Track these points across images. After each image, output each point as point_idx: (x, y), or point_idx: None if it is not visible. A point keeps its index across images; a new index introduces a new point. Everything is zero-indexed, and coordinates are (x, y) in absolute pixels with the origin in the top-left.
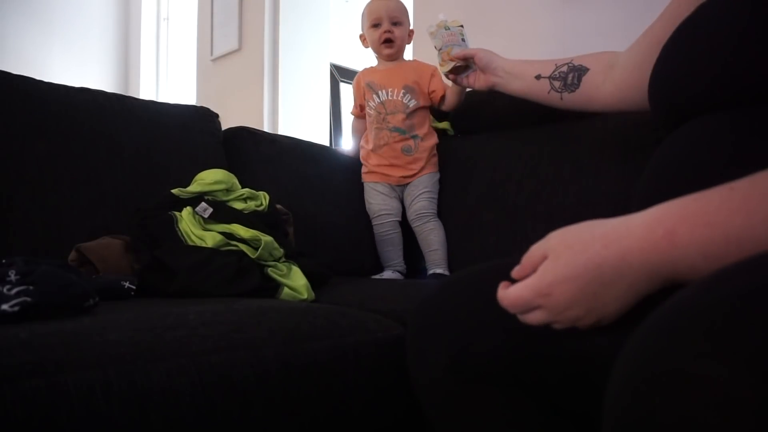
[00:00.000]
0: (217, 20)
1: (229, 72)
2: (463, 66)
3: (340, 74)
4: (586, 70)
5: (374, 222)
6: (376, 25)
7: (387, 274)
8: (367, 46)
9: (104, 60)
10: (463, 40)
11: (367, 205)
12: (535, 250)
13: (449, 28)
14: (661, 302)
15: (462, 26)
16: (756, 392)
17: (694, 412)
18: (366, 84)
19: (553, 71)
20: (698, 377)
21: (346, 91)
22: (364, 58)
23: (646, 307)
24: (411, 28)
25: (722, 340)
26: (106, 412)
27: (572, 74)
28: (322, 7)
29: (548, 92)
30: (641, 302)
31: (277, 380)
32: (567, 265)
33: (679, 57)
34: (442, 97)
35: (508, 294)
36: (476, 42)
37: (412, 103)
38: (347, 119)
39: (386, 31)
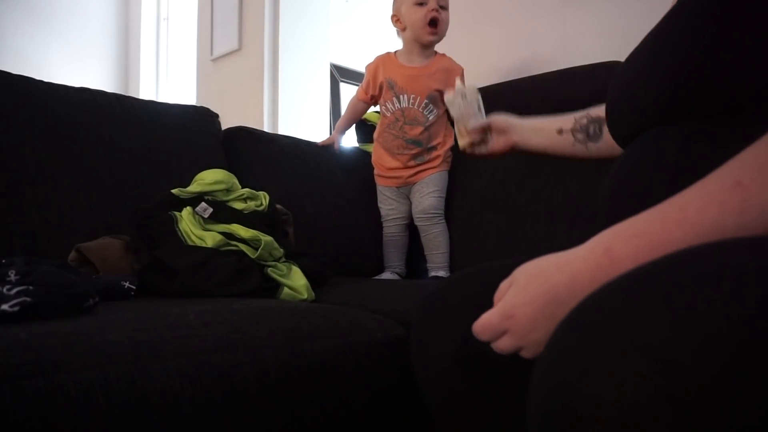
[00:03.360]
0: (217, 20)
1: (229, 72)
2: (479, 137)
3: (340, 74)
4: (605, 120)
5: (383, 223)
6: (421, 4)
7: (386, 276)
8: (401, 28)
9: (104, 60)
10: (479, 108)
11: (378, 205)
12: (503, 284)
13: (465, 97)
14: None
15: (478, 91)
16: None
17: None
18: (386, 81)
19: (574, 125)
20: (579, 414)
21: (346, 91)
22: (364, 59)
23: None
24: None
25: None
26: (106, 412)
27: (593, 126)
28: (322, 7)
29: (573, 145)
30: None
31: (276, 380)
32: (527, 289)
33: (635, 73)
34: None
35: (478, 321)
36: (476, 42)
37: (433, 116)
38: None
39: (434, 10)
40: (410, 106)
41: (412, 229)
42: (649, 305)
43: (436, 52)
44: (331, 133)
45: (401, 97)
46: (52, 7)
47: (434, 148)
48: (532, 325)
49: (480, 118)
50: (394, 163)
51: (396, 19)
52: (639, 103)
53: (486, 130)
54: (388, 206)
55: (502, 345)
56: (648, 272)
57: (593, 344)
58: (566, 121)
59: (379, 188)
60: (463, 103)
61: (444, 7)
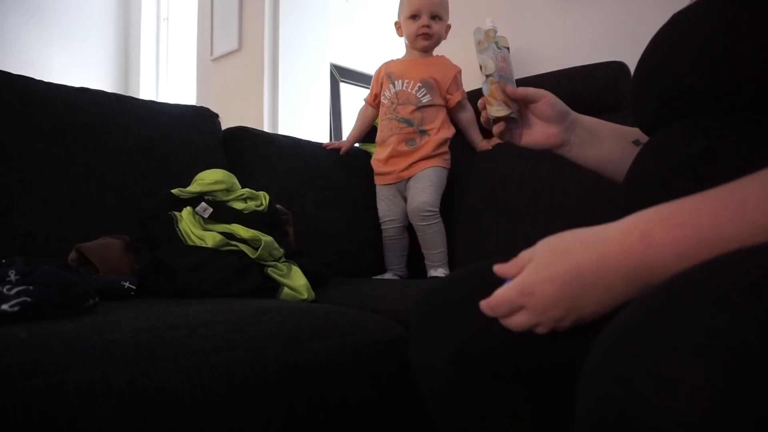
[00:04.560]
0: (217, 20)
1: (229, 72)
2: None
3: (340, 74)
4: None
5: (381, 226)
6: (414, 17)
7: (387, 276)
8: (401, 35)
9: (104, 60)
10: (511, 71)
11: (377, 206)
12: (523, 255)
13: (500, 48)
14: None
15: (509, 48)
16: (704, 421)
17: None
18: (386, 74)
19: None
20: (642, 398)
21: (346, 91)
22: (364, 58)
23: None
24: (448, 23)
25: (657, 365)
26: (106, 412)
27: None
28: (322, 8)
29: None
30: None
31: (276, 380)
32: (549, 266)
33: (660, 60)
34: (459, 104)
35: (493, 296)
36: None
37: (426, 99)
38: (347, 119)
39: (424, 26)
40: (404, 88)
41: (411, 230)
42: (718, 309)
43: (432, 54)
44: (331, 134)
45: (396, 82)
46: (53, 8)
47: (426, 133)
48: (552, 303)
49: (514, 85)
50: (386, 152)
51: (398, 26)
52: (666, 90)
53: (528, 104)
54: (384, 207)
55: (517, 321)
56: (719, 273)
57: (654, 342)
58: (638, 132)
59: (377, 189)
60: (499, 55)
61: (436, 18)
